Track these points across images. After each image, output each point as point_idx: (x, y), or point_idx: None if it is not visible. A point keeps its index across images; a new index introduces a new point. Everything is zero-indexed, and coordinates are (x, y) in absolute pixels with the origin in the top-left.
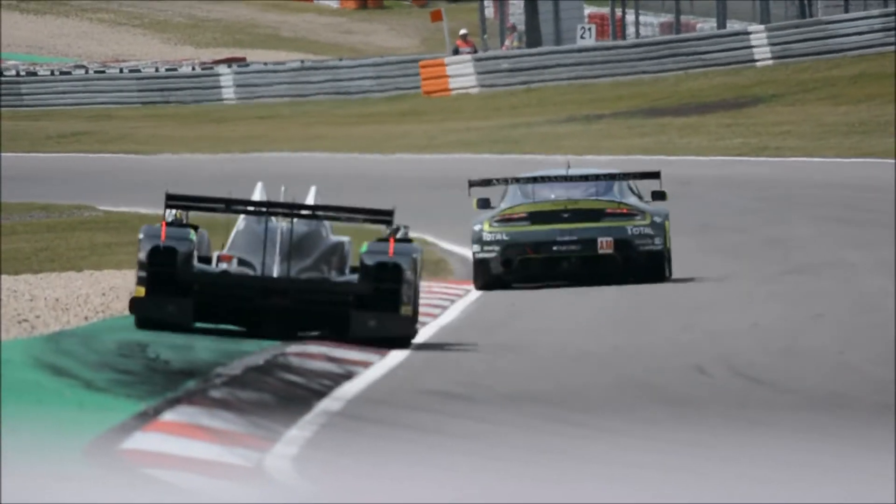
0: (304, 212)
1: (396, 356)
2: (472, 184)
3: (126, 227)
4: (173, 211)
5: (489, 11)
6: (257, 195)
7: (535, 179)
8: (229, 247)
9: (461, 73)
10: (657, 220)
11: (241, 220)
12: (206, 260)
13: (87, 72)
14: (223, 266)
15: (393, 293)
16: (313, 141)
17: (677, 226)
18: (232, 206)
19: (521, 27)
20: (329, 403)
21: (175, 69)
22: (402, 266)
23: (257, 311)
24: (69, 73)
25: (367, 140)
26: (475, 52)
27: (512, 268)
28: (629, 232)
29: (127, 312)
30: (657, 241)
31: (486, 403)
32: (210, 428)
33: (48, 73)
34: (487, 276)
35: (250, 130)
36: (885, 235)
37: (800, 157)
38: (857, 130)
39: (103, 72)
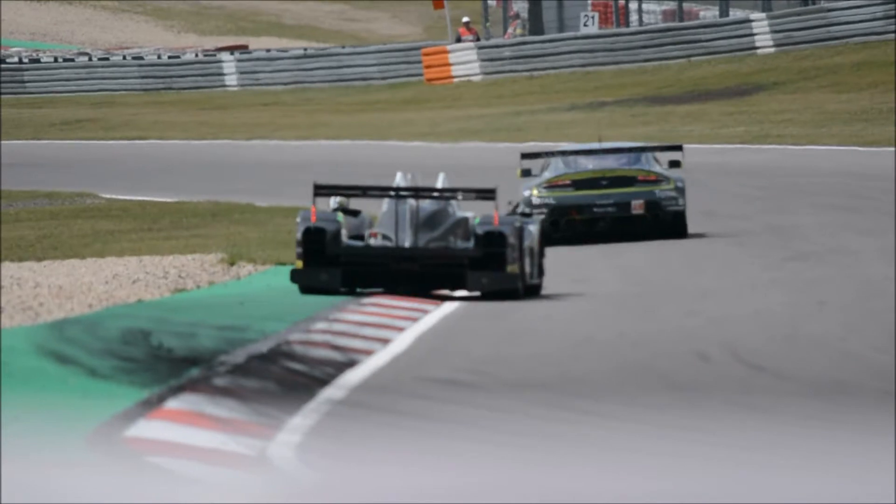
0: (425, 193)
1: (400, 344)
2: (524, 156)
3: (128, 215)
4: (337, 199)
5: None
6: (396, 182)
7: (576, 152)
8: (377, 225)
9: (464, 61)
10: (679, 184)
11: (385, 203)
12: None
13: (90, 59)
14: (371, 241)
15: (499, 256)
16: (316, 128)
17: None
18: (367, 191)
19: (525, 15)
20: (332, 391)
21: (178, 56)
22: (506, 233)
23: (393, 275)
24: (72, 60)
25: (370, 127)
26: (478, 39)
27: (559, 227)
28: (657, 195)
29: (130, 300)
30: (680, 202)
31: (490, 391)
32: (213, 416)
33: (51, 60)
34: None
35: (253, 118)
36: (888, 223)
37: (802, 145)
38: (858, 118)
39: (107, 59)
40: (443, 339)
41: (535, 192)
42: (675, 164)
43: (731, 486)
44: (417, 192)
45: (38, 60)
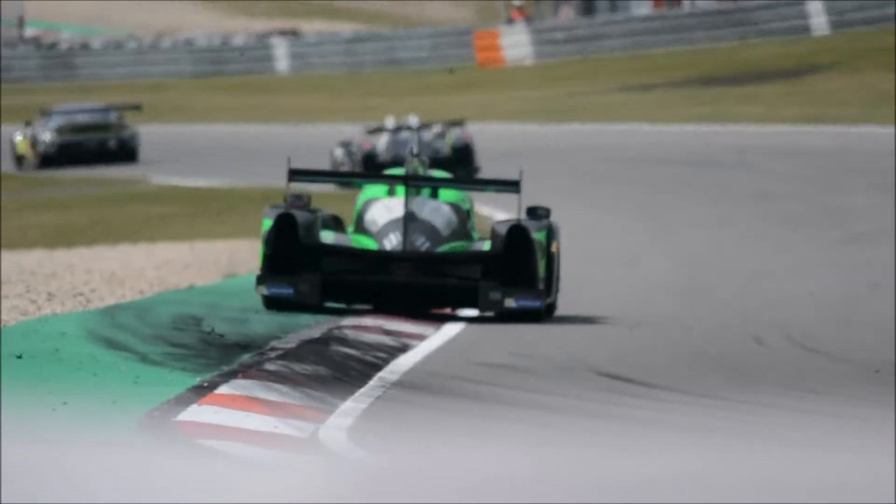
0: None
1: (453, 327)
2: (42, 111)
3: (179, 200)
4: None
5: None
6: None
7: (66, 112)
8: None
9: (516, 44)
10: (135, 130)
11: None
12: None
13: (140, 44)
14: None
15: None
16: (368, 112)
17: (734, 194)
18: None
19: None
20: (384, 376)
21: (228, 41)
22: (471, 145)
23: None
24: (123, 45)
25: (422, 110)
26: (530, 22)
27: (62, 158)
28: (123, 135)
29: (182, 286)
30: (137, 140)
31: (541, 374)
32: (265, 400)
33: (102, 45)
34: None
35: (305, 101)
36: None
37: (857, 126)
38: None
39: (157, 44)
40: (495, 324)
41: (48, 135)
42: (122, 117)
43: (784, 467)
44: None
45: (88, 46)
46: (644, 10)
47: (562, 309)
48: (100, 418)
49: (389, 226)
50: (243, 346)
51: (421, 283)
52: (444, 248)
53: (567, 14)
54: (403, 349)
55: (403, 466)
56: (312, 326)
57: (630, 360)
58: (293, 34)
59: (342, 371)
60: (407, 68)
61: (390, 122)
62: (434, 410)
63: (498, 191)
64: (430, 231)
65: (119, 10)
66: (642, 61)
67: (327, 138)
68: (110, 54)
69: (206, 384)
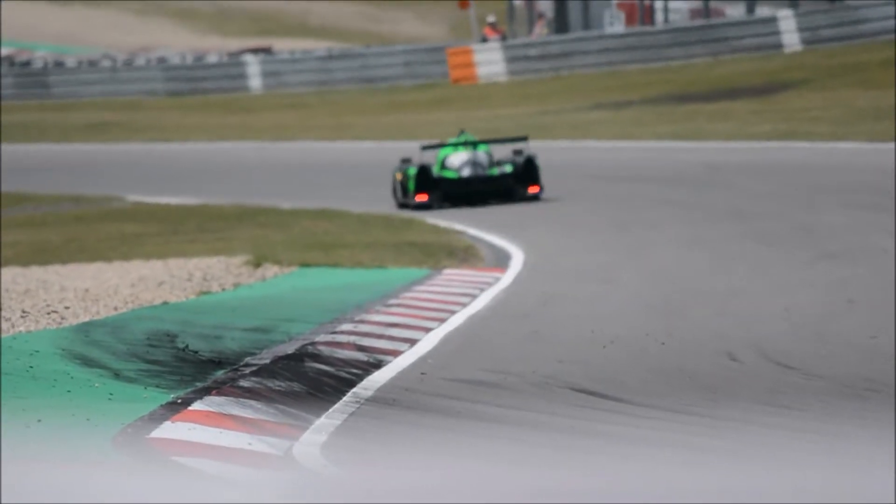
0: None
1: (426, 344)
2: None
3: (154, 218)
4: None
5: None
6: None
7: None
8: None
9: (489, 61)
10: None
11: None
12: None
13: (114, 62)
14: None
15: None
16: (341, 129)
17: (707, 212)
18: None
19: (550, 14)
20: (358, 392)
21: (202, 59)
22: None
23: None
24: (97, 63)
25: (396, 128)
26: (504, 39)
27: None
28: None
29: (156, 303)
30: None
31: (515, 390)
32: (239, 417)
33: (76, 63)
34: None
35: (278, 119)
36: None
37: (829, 143)
38: (886, 115)
39: (131, 62)
40: (468, 340)
41: None
42: None
43: (758, 483)
44: None
45: (62, 64)
46: (617, 27)
47: (538, 326)
48: (74, 435)
49: (464, 164)
50: (217, 363)
51: (484, 189)
52: (489, 171)
53: (540, 31)
54: (377, 365)
55: (377, 483)
56: (286, 343)
57: (604, 376)
58: (266, 52)
59: (316, 387)
60: (380, 86)
61: None
62: (408, 426)
63: (512, 142)
64: (482, 165)
65: (93, 29)
66: (616, 78)
67: (300, 155)
68: (84, 72)
69: (179, 401)
